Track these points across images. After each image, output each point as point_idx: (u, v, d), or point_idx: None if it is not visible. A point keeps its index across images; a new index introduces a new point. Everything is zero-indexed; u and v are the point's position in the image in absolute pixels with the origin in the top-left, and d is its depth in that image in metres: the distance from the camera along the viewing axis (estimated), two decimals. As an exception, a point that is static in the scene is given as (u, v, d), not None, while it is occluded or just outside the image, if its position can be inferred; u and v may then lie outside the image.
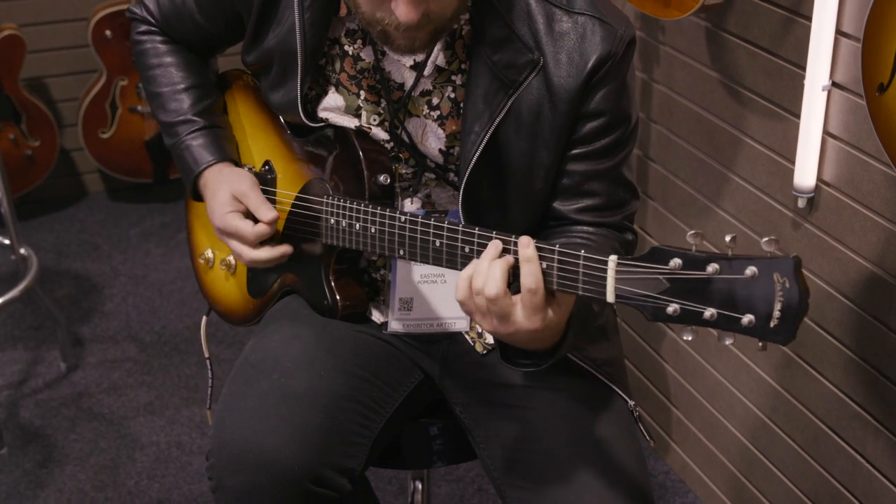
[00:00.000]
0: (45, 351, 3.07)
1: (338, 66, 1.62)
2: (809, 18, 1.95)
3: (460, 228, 1.44)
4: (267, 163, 1.73)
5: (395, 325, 1.68)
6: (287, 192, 1.69)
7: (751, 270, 1.22)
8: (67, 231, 3.68)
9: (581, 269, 1.33)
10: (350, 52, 1.61)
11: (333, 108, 1.64)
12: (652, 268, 1.28)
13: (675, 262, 1.26)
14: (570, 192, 1.58)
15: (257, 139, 1.76)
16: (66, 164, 3.83)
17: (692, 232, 1.27)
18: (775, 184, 2.14)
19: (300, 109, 1.61)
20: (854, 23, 1.89)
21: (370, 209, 1.54)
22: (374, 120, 1.63)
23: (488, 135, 1.52)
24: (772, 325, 1.21)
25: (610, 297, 1.31)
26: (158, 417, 2.82)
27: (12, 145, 3.54)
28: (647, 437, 1.66)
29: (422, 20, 1.43)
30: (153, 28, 1.78)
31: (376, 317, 1.71)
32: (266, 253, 1.65)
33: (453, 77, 1.58)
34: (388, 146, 1.63)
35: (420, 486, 1.87)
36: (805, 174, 2.02)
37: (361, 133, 1.62)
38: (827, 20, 1.90)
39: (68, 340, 3.02)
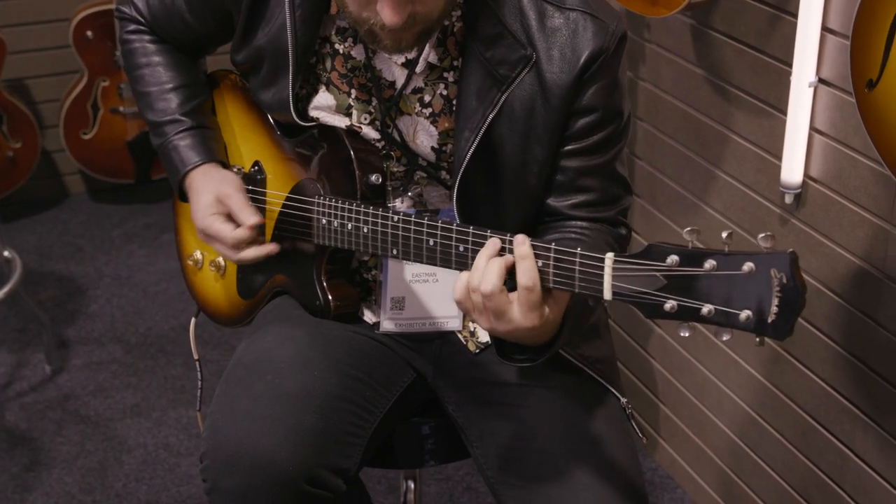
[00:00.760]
0: (29, 353, 3.05)
1: (328, 64, 1.62)
2: (795, 15, 1.96)
3: (454, 227, 1.44)
4: (256, 163, 1.73)
5: (387, 325, 1.68)
6: (277, 192, 1.68)
7: (748, 266, 1.22)
8: (50, 233, 3.66)
9: (578, 267, 1.33)
10: (341, 51, 1.60)
11: (324, 106, 1.63)
12: (649, 265, 1.28)
13: (673, 258, 1.26)
14: (563, 188, 1.58)
15: (246, 139, 1.75)
16: (48, 165, 3.81)
17: (688, 229, 1.28)
18: (762, 180, 2.15)
19: (292, 108, 1.60)
20: (840, 19, 1.90)
21: (362, 209, 1.54)
22: (365, 119, 1.62)
23: (482, 131, 1.52)
24: (769, 320, 1.22)
25: (607, 295, 1.31)
26: (145, 419, 2.81)
27: (-7, 147, 3.53)
28: (640, 435, 1.67)
29: (407, 22, 1.43)
30: (142, 27, 1.78)
31: (368, 317, 1.71)
32: (252, 253, 1.65)
33: (445, 74, 1.58)
34: (379, 145, 1.63)
35: (412, 486, 1.87)
36: (792, 170, 2.03)
37: (352, 132, 1.62)
38: (813, 17, 1.91)
39: (53, 343, 3.00)
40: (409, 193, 1.65)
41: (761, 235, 1.24)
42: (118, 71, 3.56)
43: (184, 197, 1.74)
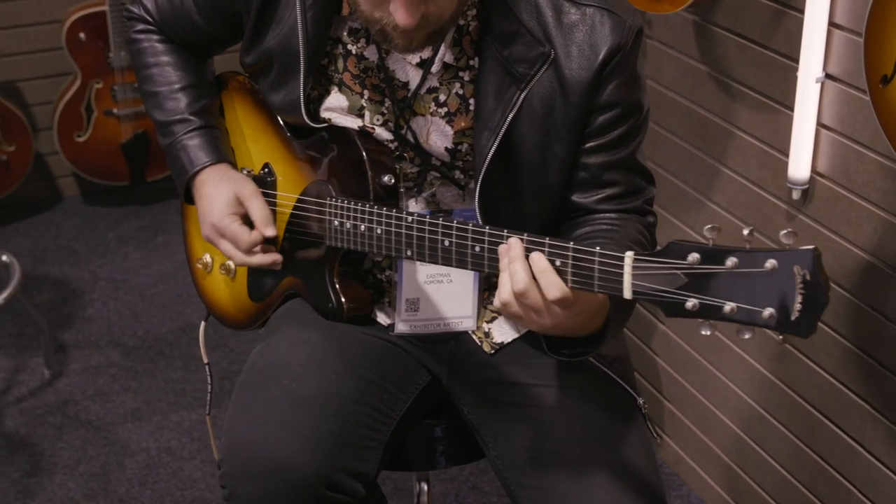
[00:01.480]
0: (27, 358, 3.03)
1: (340, 65, 1.61)
2: (800, 10, 1.96)
3: (470, 228, 1.43)
4: (266, 165, 1.72)
5: (401, 327, 1.67)
6: (288, 194, 1.67)
7: (770, 263, 1.22)
8: (43, 236, 3.63)
9: (597, 266, 1.32)
10: (353, 51, 1.59)
11: (336, 108, 1.62)
12: (670, 263, 1.27)
13: (693, 256, 1.26)
14: (588, 184, 1.57)
15: (256, 141, 1.74)
16: (41, 168, 3.78)
17: (709, 226, 1.27)
18: (768, 176, 2.15)
19: (303, 110, 1.59)
20: (847, 15, 1.90)
21: (376, 210, 1.53)
22: (378, 120, 1.61)
23: (503, 130, 1.51)
24: (793, 318, 1.21)
25: (627, 294, 1.30)
26: (146, 423, 2.79)
27: (-14, 151, 3.50)
28: (655, 434, 1.66)
29: (420, 22, 1.42)
30: (150, 27, 1.76)
31: (381, 319, 1.70)
32: (258, 259, 1.64)
33: (461, 73, 1.57)
34: (392, 146, 1.62)
35: (426, 488, 1.86)
36: (799, 166, 2.03)
37: (364, 133, 1.61)
38: (820, 12, 1.91)
39: (51, 347, 2.98)
40: (423, 194, 1.64)
41: (783, 232, 1.23)
42: (112, 73, 3.54)
43: (188, 198, 1.73)
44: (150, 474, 2.62)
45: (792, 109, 2.02)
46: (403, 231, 1.50)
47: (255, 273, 1.75)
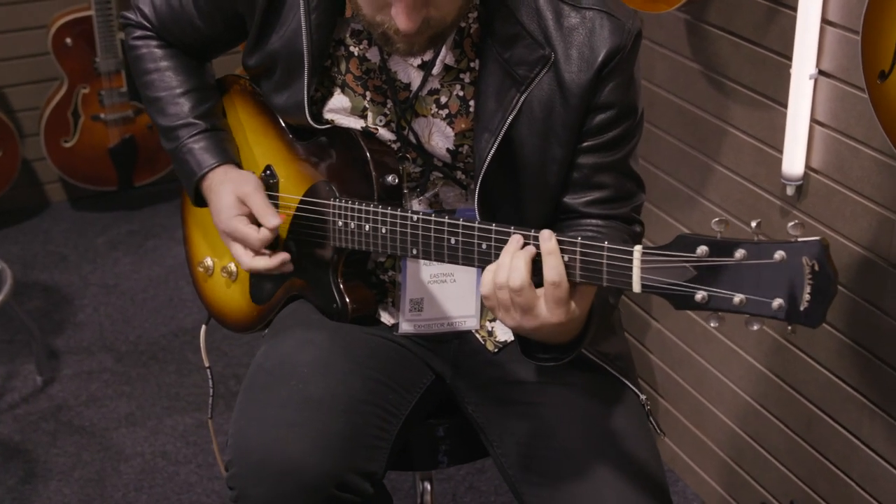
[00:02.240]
0: (18, 365, 3.02)
1: (343, 67, 1.61)
2: (793, 8, 1.98)
3: (476, 225, 1.44)
4: (268, 167, 1.72)
5: (405, 327, 1.67)
6: (291, 195, 1.67)
7: (779, 255, 1.23)
8: (32, 242, 3.62)
9: (605, 261, 1.33)
10: (356, 53, 1.60)
11: (339, 109, 1.63)
12: (678, 256, 1.29)
13: (702, 249, 1.27)
14: (579, 185, 1.58)
15: (258, 143, 1.74)
16: (28, 174, 3.77)
17: (716, 219, 1.28)
18: (762, 172, 2.16)
19: (307, 111, 1.59)
20: (839, 11, 1.92)
21: (380, 210, 1.53)
22: (381, 121, 1.62)
23: (502, 133, 1.52)
24: (802, 308, 1.23)
25: (636, 288, 1.31)
26: (141, 428, 2.79)
27: (-27, 157, 3.49)
28: (658, 431, 1.67)
29: (421, 27, 1.43)
30: (148, 33, 1.76)
31: (385, 319, 1.71)
32: (264, 262, 1.63)
33: (461, 75, 1.58)
34: (395, 147, 1.63)
35: (429, 487, 1.86)
36: (793, 162, 2.05)
37: (367, 134, 1.62)
38: (813, 9, 1.93)
39: (43, 353, 2.97)
40: (426, 194, 1.64)
41: (791, 224, 1.25)
42: (98, 78, 3.53)
43: (199, 201, 1.73)
44: (146, 479, 2.62)
45: (785, 106, 2.03)
46: (409, 230, 1.51)
47: (257, 275, 1.75)
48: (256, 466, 1.47)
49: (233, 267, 1.78)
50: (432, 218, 1.48)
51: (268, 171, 1.71)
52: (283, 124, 1.71)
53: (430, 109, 1.59)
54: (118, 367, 3.02)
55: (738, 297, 1.25)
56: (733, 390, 2.35)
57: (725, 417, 2.40)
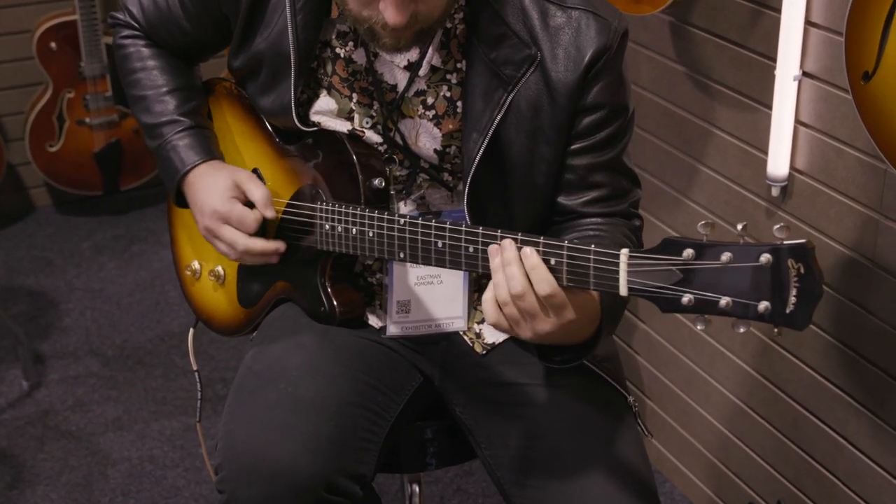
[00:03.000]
0: (4, 370, 3.01)
1: (329, 68, 1.61)
2: (777, 10, 1.99)
3: (463, 228, 1.44)
4: (255, 171, 1.72)
5: (393, 329, 1.67)
6: (278, 199, 1.67)
7: (765, 258, 1.23)
8: (17, 247, 3.61)
9: (592, 265, 1.34)
10: (342, 55, 1.60)
11: (325, 111, 1.63)
12: (665, 259, 1.29)
13: (688, 252, 1.27)
14: (574, 186, 1.59)
15: (245, 147, 1.74)
16: (13, 178, 3.76)
17: (703, 222, 1.29)
18: (747, 174, 2.17)
19: (294, 113, 1.59)
20: (823, 13, 1.93)
21: (367, 213, 1.54)
22: (367, 122, 1.62)
23: (490, 133, 1.52)
24: (788, 310, 1.24)
25: (623, 291, 1.32)
26: (128, 432, 2.78)
27: (-42, 162, 3.48)
28: (646, 432, 1.68)
29: (409, 21, 1.44)
30: (136, 33, 1.76)
31: (373, 321, 1.71)
32: (261, 244, 1.62)
33: (448, 76, 1.58)
34: (381, 149, 1.63)
35: (417, 489, 1.86)
36: (778, 163, 2.06)
37: (354, 137, 1.62)
38: (796, 11, 1.94)
39: (29, 358, 2.96)
40: (412, 196, 1.65)
41: (776, 227, 1.25)
42: (83, 82, 3.52)
43: (180, 200, 1.72)
44: (134, 483, 2.61)
45: (770, 108, 2.04)
46: (396, 233, 1.51)
47: (244, 278, 1.75)
48: (246, 469, 1.47)
49: (220, 270, 1.78)
50: (419, 221, 1.48)
51: (255, 175, 1.71)
52: (270, 127, 1.71)
53: (417, 111, 1.60)
54: (105, 371, 3.01)
55: (724, 300, 1.26)
56: (720, 391, 2.36)
57: (712, 418, 2.41)
